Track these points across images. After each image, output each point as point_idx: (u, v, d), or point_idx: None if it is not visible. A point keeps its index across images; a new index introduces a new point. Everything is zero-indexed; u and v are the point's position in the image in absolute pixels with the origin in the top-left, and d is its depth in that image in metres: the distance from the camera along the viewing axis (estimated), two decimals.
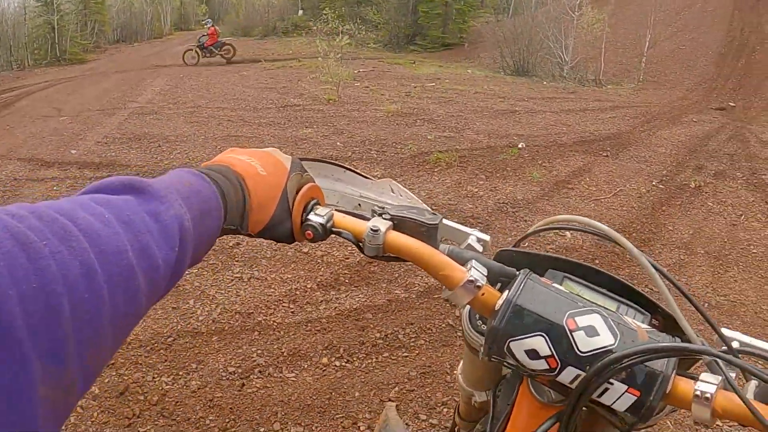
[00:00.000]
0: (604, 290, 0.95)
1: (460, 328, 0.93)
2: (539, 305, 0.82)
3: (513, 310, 0.82)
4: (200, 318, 4.05)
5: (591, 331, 0.79)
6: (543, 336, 0.80)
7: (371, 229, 0.92)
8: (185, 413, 3.20)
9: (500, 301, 0.85)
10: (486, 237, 1.02)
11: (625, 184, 7.18)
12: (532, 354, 0.81)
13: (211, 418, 3.17)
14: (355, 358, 3.65)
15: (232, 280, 4.52)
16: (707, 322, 0.90)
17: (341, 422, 3.16)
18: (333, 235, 0.96)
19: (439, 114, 9.93)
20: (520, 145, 8.01)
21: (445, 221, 1.03)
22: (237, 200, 0.81)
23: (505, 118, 10.17)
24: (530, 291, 0.84)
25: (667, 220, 6.40)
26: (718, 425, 3.26)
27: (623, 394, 0.78)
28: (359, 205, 1.11)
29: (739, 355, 0.84)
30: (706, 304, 4.69)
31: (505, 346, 0.82)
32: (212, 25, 21.38)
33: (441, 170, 6.64)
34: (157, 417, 3.17)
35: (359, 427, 3.13)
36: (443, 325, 3.98)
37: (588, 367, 0.78)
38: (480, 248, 1.00)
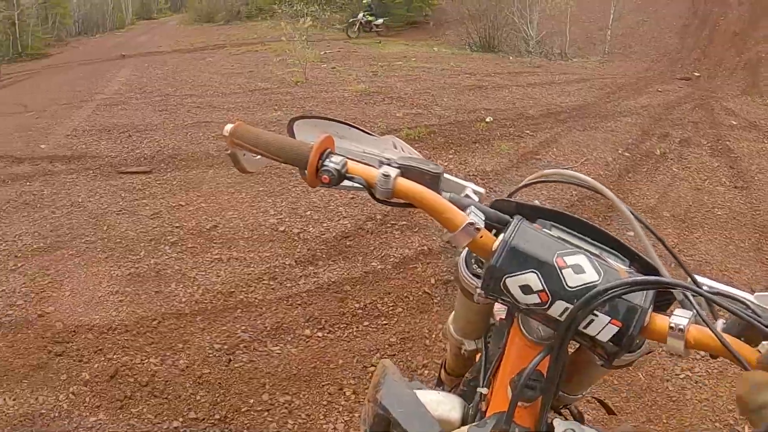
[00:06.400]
0: (587, 238, 1.04)
1: (452, 276, 1.02)
2: (532, 246, 0.93)
3: (509, 250, 0.92)
4: (183, 300, 4.12)
5: (578, 269, 0.90)
6: (535, 273, 0.90)
7: (383, 175, 1.00)
8: (175, 391, 3.28)
9: (497, 243, 0.95)
10: (481, 189, 1.11)
11: (592, 153, 7.28)
12: (526, 289, 0.91)
13: (201, 394, 3.26)
14: (336, 329, 3.75)
15: (212, 262, 4.57)
16: (677, 263, 1.05)
17: (327, 389, 3.26)
18: (340, 187, 1.05)
19: (407, 92, 9.94)
20: (487, 119, 8.08)
21: (445, 174, 1.11)
22: None
23: (472, 93, 10.19)
24: (524, 233, 0.95)
25: (633, 186, 6.50)
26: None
27: (607, 325, 0.88)
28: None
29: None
30: (672, 264, 4.81)
31: (501, 283, 0.92)
32: None
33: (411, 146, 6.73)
34: (148, 397, 3.25)
35: (345, 392, 3.23)
36: (420, 293, 4.09)
37: (575, 300, 0.88)
38: (476, 198, 1.09)
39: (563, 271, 0.90)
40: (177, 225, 5.21)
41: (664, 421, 3.15)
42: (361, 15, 23.56)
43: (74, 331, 3.84)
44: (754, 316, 0.87)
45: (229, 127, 1.13)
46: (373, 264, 4.48)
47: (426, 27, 25.77)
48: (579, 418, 1.39)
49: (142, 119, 9.28)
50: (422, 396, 1.15)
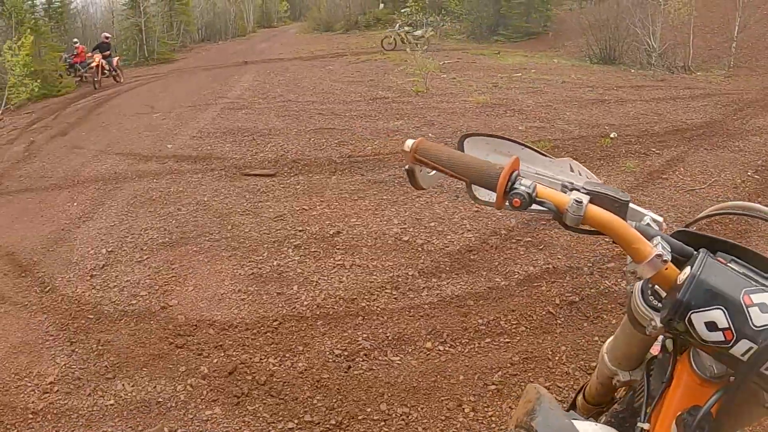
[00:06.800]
0: (766, 274, 0.98)
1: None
2: (719, 281, 0.88)
3: (696, 284, 0.88)
4: (305, 303, 4.18)
5: (764, 308, 0.85)
6: (722, 309, 0.86)
7: (575, 201, 0.97)
8: (292, 393, 3.32)
9: (683, 276, 0.91)
10: (659, 218, 1.07)
11: (720, 174, 6.95)
12: (711, 326, 0.87)
13: (318, 398, 3.28)
14: (458, 343, 3.70)
15: (335, 267, 4.62)
16: None
17: (446, 404, 3.21)
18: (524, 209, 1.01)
19: (528, 104, 9.84)
20: (612, 135, 7.88)
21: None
22: None
23: (595, 107, 9.98)
24: (711, 268, 0.90)
25: None
26: None
27: None
28: None
29: None
30: None
31: (686, 318, 0.88)
32: (79, 45, 20.77)
33: None
34: (264, 396, 3.31)
35: (464, 409, 3.18)
36: (543, 313, 3.98)
37: (761, 341, 0.83)
38: (656, 227, 1.05)
39: (750, 309, 0.86)
40: (300, 229, 5.30)
41: None
42: (398, 26, 22.59)
43: (196, 326, 3.97)
44: None
45: (410, 142, 1.11)
46: (496, 280, 4.41)
47: (545, 38, 25.42)
48: None
49: (265, 123, 9.54)
50: (580, 427, 1.11)
